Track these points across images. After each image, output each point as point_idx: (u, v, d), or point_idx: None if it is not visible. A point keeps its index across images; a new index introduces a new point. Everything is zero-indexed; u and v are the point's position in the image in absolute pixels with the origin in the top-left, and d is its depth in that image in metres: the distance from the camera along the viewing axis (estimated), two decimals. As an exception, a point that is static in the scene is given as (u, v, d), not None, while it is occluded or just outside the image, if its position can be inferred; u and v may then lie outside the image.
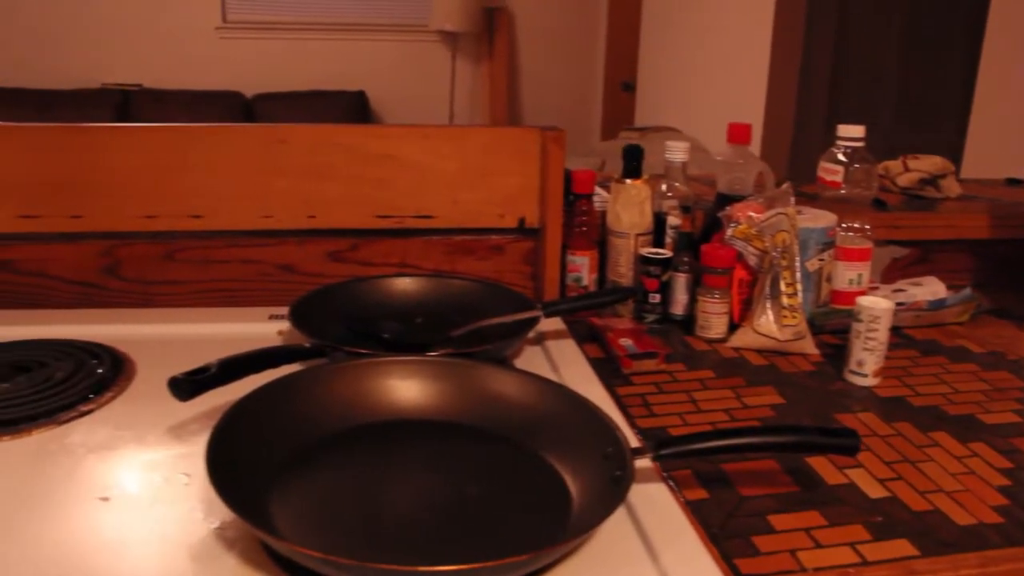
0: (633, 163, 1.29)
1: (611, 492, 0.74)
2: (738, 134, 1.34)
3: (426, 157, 1.24)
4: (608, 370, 1.11)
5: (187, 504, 0.78)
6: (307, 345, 0.97)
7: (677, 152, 1.32)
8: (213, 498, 0.76)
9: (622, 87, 4.90)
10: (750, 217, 1.24)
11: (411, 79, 5.00)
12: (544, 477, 0.81)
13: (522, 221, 1.30)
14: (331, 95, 4.79)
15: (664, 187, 1.33)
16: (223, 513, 0.75)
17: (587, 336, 1.23)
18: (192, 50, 4.77)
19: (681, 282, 1.27)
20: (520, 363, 1.10)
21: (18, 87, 4.50)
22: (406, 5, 4.97)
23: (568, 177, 1.29)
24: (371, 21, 4.94)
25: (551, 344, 1.16)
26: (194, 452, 0.86)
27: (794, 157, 3.51)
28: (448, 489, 0.80)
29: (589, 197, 1.30)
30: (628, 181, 1.28)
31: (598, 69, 5.21)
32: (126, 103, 4.59)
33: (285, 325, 1.18)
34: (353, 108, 4.79)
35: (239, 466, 0.74)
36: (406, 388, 0.90)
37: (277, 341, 1.14)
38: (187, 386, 0.84)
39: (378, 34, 4.94)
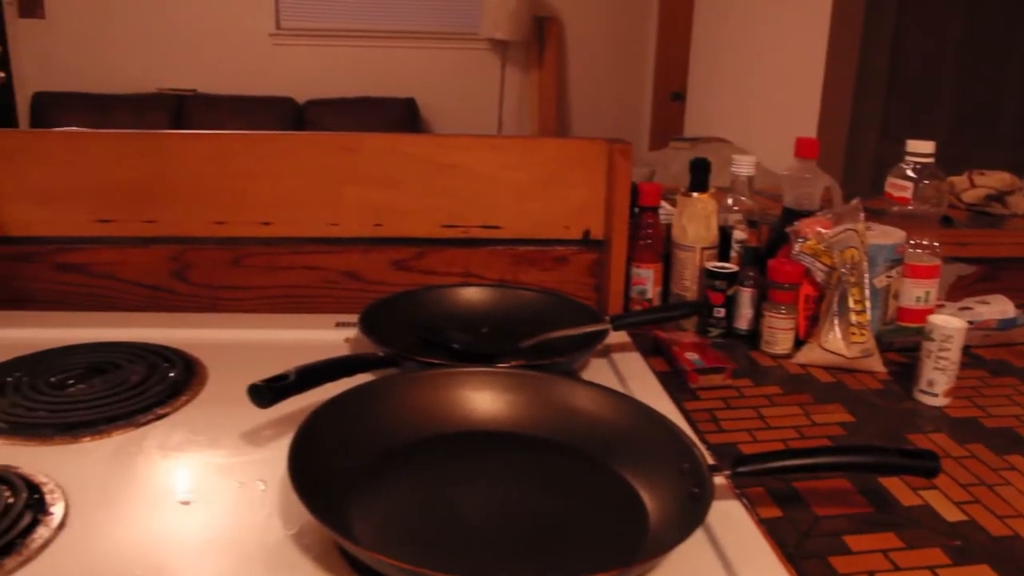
0: (700, 176, 1.28)
1: (689, 509, 0.73)
2: (806, 148, 1.32)
3: (494, 168, 1.25)
4: (674, 384, 1.11)
5: (264, 510, 0.78)
6: (380, 354, 0.98)
7: (743, 166, 1.31)
8: (290, 505, 0.78)
9: (671, 97, 4.88)
10: (819, 233, 1.22)
11: (461, 87, 5.02)
12: (619, 492, 0.81)
13: (587, 233, 1.30)
14: (381, 102, 4.82)
15: (730, 201, 1.32)
16: (300, 520, 0.76)
17: (651, 349, 1.22)
18: (246, 56, 4.84)
19: (746, 297, 1.27)
20: (587, 376, 1.10)
21: (77, 91, 4.60)
22: (457, 14, 4.99)
23: (634, 190, 1.29)
24: (422, 29, 4.98)
25: (617, 357, 1.16)
26: (269, 458, 0.87)
27: (847, 169, 3.47)
28: (524, 502, 0.80)
29: (655, 210, 1.29)
30: (695, 194, 1.28)
31: (647, 78, 5.20)
32: (181, 107, 4.66)
33: (352, 332, 1.19)
34: (403, 115, 4.82)
35: (319, 472, 0.75)
36: (481, 399, 0.90)
37: (344, 348, 1.15)
38: (267, 393, 0.85)
39: (429, 42, 4.98)
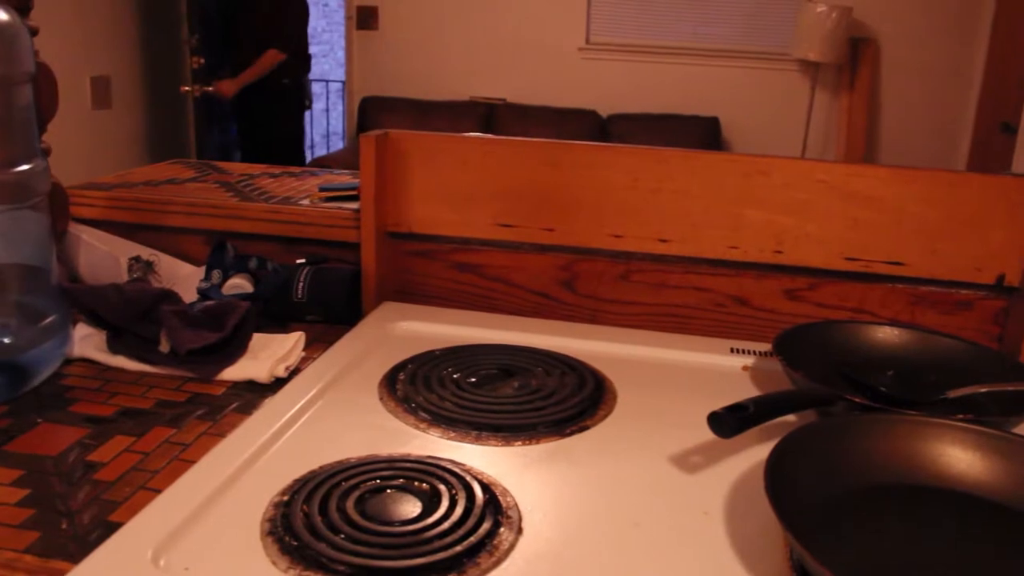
0: None
1: None
2: None
3: (908, 201, 1.18)
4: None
5: (712, 540, 0.77)
6: (822, 392, 0.94)
7: None
8: (739, 539, 0.77)
9: (1000, 128, 4.51)
10: None
11: (766, 108, 4.90)
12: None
13: (1001, 278, 1.20)
14: (684, 119, 4.81)
15: None
16: (751, 553, 0.74)
17: (1073, 412, 1.11)
18: (555, 69, 4.98)
19: None
20: (1017, 435, 1.01)
21: (400, 96, 4.94)
22: (767, 33, 4.89)
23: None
24: (730, 47, 4.91)
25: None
26: (705, 487, 0.85)
27: None
28: None
29: (1087, 259, 1.17)
30: None
31: (970, 107, 4.83)
32: (491, 116, 4.88)
33: (749, 360, 1.16)
34: (705, 134, 4.78)
35: (789, 506, 0.72)
36: (947, 454, 0.83)
37: (743, 376, 1.13)
38: (732, 423, 0.84)
39: (736, 60, 4.90)
